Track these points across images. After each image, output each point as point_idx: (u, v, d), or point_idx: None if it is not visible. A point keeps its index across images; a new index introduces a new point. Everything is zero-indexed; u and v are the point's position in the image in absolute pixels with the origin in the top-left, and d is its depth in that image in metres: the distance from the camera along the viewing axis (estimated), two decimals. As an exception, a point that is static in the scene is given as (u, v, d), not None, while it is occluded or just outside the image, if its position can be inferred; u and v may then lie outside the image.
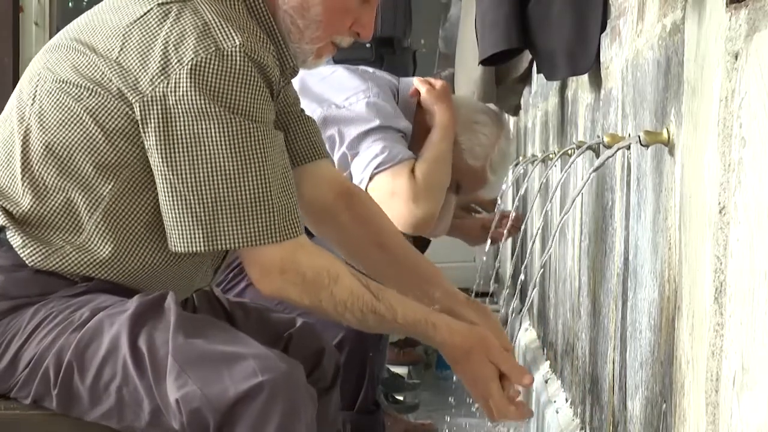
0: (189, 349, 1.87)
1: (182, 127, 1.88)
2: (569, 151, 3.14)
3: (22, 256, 1.98)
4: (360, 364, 3.28)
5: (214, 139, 1.87)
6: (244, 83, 1.88)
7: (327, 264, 1.97)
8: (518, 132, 6.42)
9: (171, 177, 1.89)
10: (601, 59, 2.86)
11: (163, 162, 1.89)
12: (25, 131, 2.00)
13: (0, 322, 1.98)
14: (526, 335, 5.10)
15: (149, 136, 1.90)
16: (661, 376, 1.94)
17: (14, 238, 1.98)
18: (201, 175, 1.88)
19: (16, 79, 3.66)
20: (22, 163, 1.99)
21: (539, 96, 4.89)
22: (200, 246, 1.91)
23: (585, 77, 3.12)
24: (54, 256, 1.98)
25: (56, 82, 1.98)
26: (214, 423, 1.84)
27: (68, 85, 1.97)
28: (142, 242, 2.00)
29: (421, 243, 4.43)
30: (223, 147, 1.88)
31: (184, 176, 1.88)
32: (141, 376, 1.88)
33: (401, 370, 5.73)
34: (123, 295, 1.97)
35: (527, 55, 3.90)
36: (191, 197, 1.89)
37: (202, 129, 1.87)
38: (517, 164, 5.60)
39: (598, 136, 2.67)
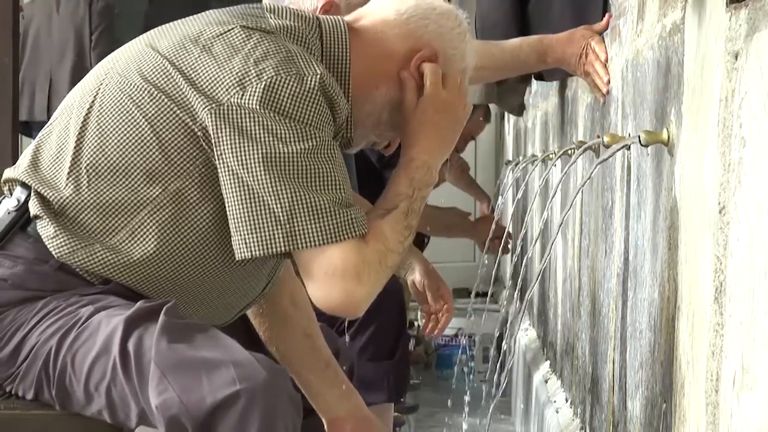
0: (170, 355, 1.86)
1: (257, 132, 1.91)
2: (569, 151, 3.14)
3: (50, 246, 1.98)
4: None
5: (288, 141, 1.91)
6: (315, 108, 1.93)
7: (373, 236, 1.98)
8: (518, 132, 6.42)
9: (248, 179, 1.91)
10: (601, 59, 2.86)
11: (239, 165, 1.91)
12: (81, 126, 2.02)
13: (11, 310, 1.99)
14: (526, 335, 5.10)
15: (223, 143, 1.92)
16: (661, 376, 1.94)
17: (46, 228, 1.99)
18: (277, 175, 1.90)
19: (16, 79, 3.65)
20: (73, 157, 2.01)
21: (539, 96, 4.90)
22: (281, 246, 1.91)
23: (585, 77, 3.12)
24: (82, 252, 1.98)
25: (120, 83, 2.01)
26: (192, 431, 1.83)
27: (132, 88, 1.99)
28: (173, 255, 1.99)
29: (419, 241, 4.42)
30: (298, 149, 1.91)
31: (260, 178, 1.90)
32: (128, 380, 1.89)
33: (401, 370, 5.71)
34: (135, 301, 1.97)
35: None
36: (269, 198, 1.91)
37: (276, 133, 1.91)
38: (517, 164, 5.61)
39: (598, 136, 2.67)
